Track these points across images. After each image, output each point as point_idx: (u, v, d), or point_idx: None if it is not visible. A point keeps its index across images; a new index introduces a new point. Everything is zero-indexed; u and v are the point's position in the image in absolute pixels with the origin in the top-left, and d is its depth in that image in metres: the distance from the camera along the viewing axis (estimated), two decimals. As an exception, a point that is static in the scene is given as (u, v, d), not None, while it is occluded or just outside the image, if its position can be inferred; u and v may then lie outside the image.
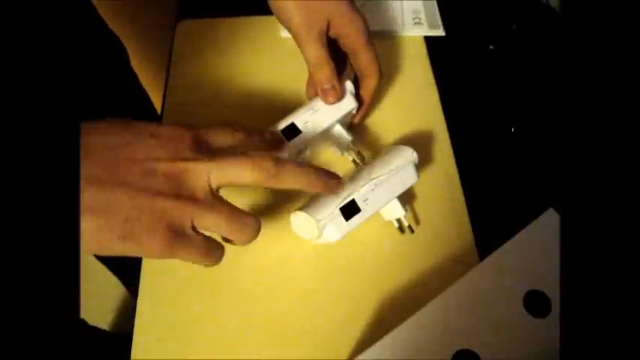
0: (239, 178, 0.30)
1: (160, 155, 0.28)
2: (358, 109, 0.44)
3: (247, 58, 0.52)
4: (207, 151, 0.30)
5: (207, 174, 0.29)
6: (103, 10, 0.56)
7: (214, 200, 0.29)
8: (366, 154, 0.44)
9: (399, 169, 0.39)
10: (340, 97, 0.41)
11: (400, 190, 0.39)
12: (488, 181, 0.46)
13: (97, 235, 0.26)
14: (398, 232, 0.41)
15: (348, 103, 0.42)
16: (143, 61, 0.98)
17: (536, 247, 0.39)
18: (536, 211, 0.40)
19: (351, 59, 0.42)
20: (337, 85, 0.40)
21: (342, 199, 0.37)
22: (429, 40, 0.55)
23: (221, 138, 0.32)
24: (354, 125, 0.47)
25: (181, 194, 0.28)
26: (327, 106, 0.41)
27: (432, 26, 0.56)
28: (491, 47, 0.56)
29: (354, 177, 0.39)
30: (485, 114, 0.51)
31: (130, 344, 0.38)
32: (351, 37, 0.40)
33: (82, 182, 0.26)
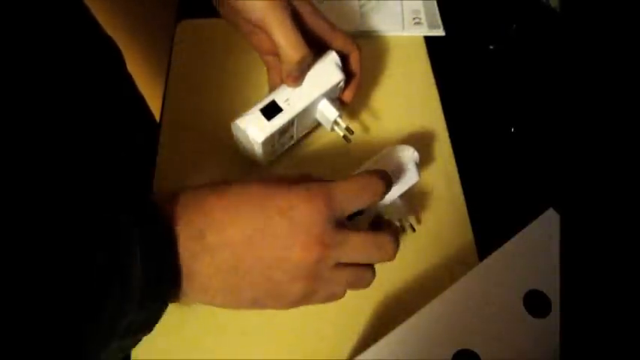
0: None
1: (291, 268, 0.28)
2: (347, 84, 0.43)
3: (247, 58, 0.52)
4: (337, 235, 0.29)
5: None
6: (99, 12, 0.55)
7: (342, 238, 0.29)
8: (366, 154, 0.44)
9: (400, 168, 0.39)
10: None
11: (401, 190, 0.39)
12: (488, 181, 0.46)
13: (227, 305, 0.31)
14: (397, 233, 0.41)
15: (334, 76, 0.40)
16: (142, 61, 0.98)
17: (536, 247, 0.39)
18: (536, 211, 0.40)
19: (329, 45, 0.42)
20: (305, 72, 0.39)
21: None
22: (429, 40, 0.55)
23: (353, 207, 0.31)
24: (346, 102, 0.45)
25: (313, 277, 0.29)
26: (310, 81, 0.40)
27: (432, 26, 0.56)
28: (491, 47, 0.56)
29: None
30: (485, 114, 0.51)
31: (130, 344, 0.38)
32: (321, 24, 0.40)
33: (214, 268, 0.28)
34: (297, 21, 0.38)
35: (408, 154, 0.40)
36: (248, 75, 0.51)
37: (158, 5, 0.89)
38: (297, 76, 0.39)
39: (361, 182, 0.30)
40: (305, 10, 0.39)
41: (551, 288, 0.36)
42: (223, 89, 0.50)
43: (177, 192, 0.30)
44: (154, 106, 0.72)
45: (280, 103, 0.39)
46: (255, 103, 0.40)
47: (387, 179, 0.32)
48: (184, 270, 0.28)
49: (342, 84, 0.42)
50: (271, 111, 0.38)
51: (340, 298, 0.32)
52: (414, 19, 0.56)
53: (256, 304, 0.30)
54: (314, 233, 0.28)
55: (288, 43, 0.36)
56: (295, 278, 0.29)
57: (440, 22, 0.56)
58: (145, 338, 0.38)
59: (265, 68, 0.45)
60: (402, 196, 0.40)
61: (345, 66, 0.42)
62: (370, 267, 0.32)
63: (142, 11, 0.94)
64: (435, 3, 0.58)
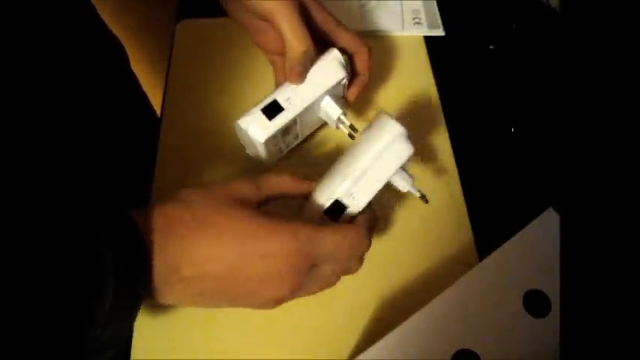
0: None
1: (261, 299, 0.30)
2: (351, 83, 0.42)
3: (247, 58, 0.52)
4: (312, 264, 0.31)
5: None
6: (102, 10, 0.56)
7: (314, 274, 0.31)
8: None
9: (385, 149, 0.35)
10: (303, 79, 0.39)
11: (396, 166, 0.35)
12: (488, 181, 0.46)
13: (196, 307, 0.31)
14: (397, 233, 0.41)
15: (336, 74, 0.40)
16: (143, 61, 0.98)
17: (536, 247, 0.39)
18: (536, 211, 0.40)
19: (335, 43, 0.41)
20: (308, 67, 0.39)
21: (326, 200, 0.34)
22: (429, 40, 0.55)
23: (328, 247, 0.31)
24: (350, 101, 0.44)
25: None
26: (312, 79, 0.39)
27: (431, 26, 0.56)
28: (491, 47, 0.56)
29: (339, 168, 0.35)
30: (485, 114, 0.51)
31: (130, 344, 0.38)
32: (328, 20, 0.40)
33: (186, 292, 0.29)
34: (304, 16, 0.38)
35: (392, 131, 0.35)
36: (248, 74, 0.51)
37: (158, 5, 0.89)
38: (299, 72, 0.38)
39: (347, 241, 0.31)
40: (313, 6, 0.39)
41: (551, 288, 0.36)
42: (223, 89, 0.50)
43: (151, 208, 0.29)
44: (154, 105, 0.72)
45: (282, 102, 0.38)
46: (256, 103, 0.39)
47: (369, 237, 0.33)
48: (156, 291, 0.28)
49: (345, 82, 0.41)
50: (273, 110, 0.38)
51: None
52: (413, 19, 0.56)
53: (228, 307, 0.32)
54: (288, 278, 0.29)
55: (293, 35, 0.37)
56: (265, 305, 0.31)
57: (440, 22, 0.56)
58: (144, 338, 0.38)
59: (265, 68, 0.45)
60: (404, 168, 0.36)
61: (353, 64, 0.42)
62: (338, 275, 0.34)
63: (142, 11, 0.94)
64: (435, 3, 0.58)
